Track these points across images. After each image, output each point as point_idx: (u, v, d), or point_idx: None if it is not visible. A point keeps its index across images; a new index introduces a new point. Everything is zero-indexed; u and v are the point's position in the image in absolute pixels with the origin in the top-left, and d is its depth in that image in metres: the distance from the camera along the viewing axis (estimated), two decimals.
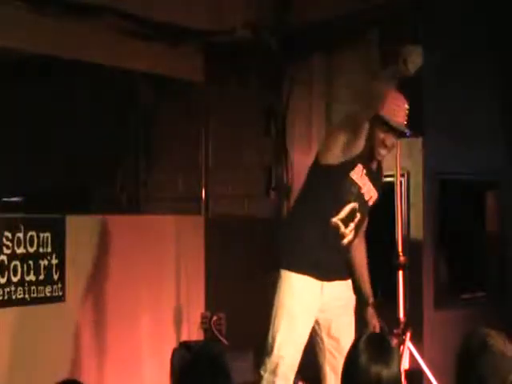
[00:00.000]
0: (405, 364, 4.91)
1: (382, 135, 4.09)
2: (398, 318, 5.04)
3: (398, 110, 4.11)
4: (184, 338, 6.49)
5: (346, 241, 4.17)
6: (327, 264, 4.15)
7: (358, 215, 4.18)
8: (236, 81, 6.59)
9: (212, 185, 6.93)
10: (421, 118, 5.29)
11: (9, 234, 5.35)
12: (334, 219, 4.11)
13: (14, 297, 5.37)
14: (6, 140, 7.75)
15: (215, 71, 6.79)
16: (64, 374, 5.23)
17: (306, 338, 4.17)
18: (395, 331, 4.95)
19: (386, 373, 2.71)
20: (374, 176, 4.23)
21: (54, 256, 5.60)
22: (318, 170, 4.21)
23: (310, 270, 4.11)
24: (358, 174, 4.12)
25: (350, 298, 4.34)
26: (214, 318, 6.54)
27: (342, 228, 4.13)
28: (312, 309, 4.17)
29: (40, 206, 6.79)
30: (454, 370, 2.92)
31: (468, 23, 6.08)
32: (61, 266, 5.64)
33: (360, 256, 4.42)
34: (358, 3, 5.73)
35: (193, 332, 6.63)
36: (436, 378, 4.96)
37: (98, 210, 7.05)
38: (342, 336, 4.23)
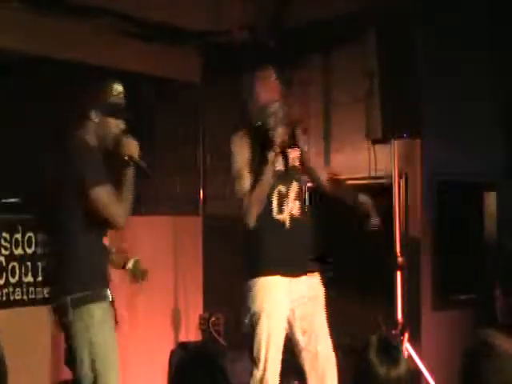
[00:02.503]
0: None
1: None
2: (396, 319, 5.04)
3: None
4: (182, 338, 6.49)
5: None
6: (290, 260, 4.19)
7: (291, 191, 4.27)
8: (233, 81, 6.59)
9: (210, 185, 6.93)
10: (419, 119, 5.28)
11: (7, 235, 5.36)
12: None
13: (11, 298, 5.37)
14: (3, 140, 7.73)
15: (213, 72, 6.79)
16: (62, 375, 5.23)
17: (283, 336, 4.21)
18: (393, 332, 4.95)
19: (403, 376, 2.72)
20: None
21: None
22: None
23: (275, 268, 4.15)
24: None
25: (320, 295, 4.35)
26: (212, 318, 6.54)
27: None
28: (284, 307, 4.19)
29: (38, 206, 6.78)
30: (456, 371, 2.93)
31: (468, 23, 6.07)
32: None
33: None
34: (356, 4, 5.73)
35: (191, 333, 6.63)
36: (434, 379, 4.96)
37: None
38: (315, 334, 4.26)
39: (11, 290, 5.36)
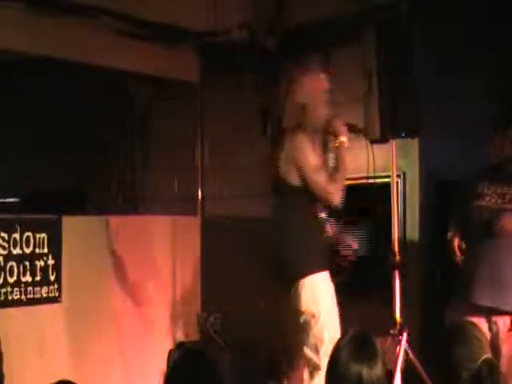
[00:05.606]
0: (401, 365, 4.90)
1: None
2: (394, 319, 5.03)
3: None
4: (180, 338, 6.48)
5: None
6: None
7: None
8: (232, 81, 6.59)
9: (208, 185, 6.94)
10: (418, 119, 5.28)
11: (5, 235, 5.35)
12: None
13: (10, 298, 5.37)
14: (1, 140, 7.74)
15: (211, 72, 6.79)
16: (59, 375, 5.22)
17: None
18: (391, 332, 4.94)
19: (367, 372, 2.72)
20: None
21: (50, 257, 5.60)
22: None
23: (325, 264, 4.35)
24: None
25: None
26: (211, 318, 6.53)
27: None
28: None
29: (36, 206, 6.79)
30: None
31: (468, 23, 6.07)
32: (57, 267, 5.64)
33: None
34: (355, 4, 5.74)
35: (189, 333, 6.63)
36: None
37: (94, 211, 7.04)
38: None
39: (9, 289, 5.36)
